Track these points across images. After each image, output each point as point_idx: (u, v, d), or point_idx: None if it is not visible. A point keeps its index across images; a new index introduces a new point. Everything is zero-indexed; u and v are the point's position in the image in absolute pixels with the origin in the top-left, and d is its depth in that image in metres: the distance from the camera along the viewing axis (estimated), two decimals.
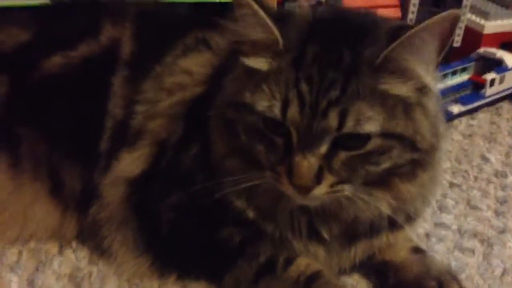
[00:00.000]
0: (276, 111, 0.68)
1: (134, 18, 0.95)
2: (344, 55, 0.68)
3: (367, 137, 0.68)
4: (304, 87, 0.67)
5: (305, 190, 0.68)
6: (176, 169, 0.83)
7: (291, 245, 0.79)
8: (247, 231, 0.79)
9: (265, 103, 0.69)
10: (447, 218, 1.01)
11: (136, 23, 0.94)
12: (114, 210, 0.85)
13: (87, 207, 0.87)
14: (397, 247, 0.86)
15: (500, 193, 1.09)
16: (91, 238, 0.88)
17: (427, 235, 0.96)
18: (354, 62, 0.68)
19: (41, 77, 0.91)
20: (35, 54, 0.92)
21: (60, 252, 0.88)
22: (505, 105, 1.45)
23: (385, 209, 0.75)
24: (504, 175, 1.14)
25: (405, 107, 0.69)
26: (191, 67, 0.88)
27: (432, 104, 0.73)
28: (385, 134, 0.68)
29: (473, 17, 1.56)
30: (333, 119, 0.66)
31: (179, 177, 0.82)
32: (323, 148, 0.67)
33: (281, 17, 0.72)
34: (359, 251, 0.82)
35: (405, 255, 0.85)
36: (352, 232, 0.80)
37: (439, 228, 0.98)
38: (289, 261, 0.79)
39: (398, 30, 0.69)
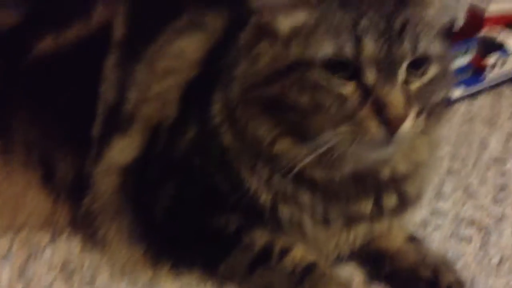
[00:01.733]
0: (348, 49, 0.65)
1: None
2: None
3: (430, 61, 0.69)
4: (372, 15, 0.66)
5: (399, 122, 0.65)
6: (171, 154, 0.81)
7: (301, 229, 0.78)
8: (244, 217, 0.78)
9: (329, 47, 0.65)
10: (444, 206, 0.99)
11: (129, 3, 0.92)
12: (108, 200, 0.84)
13: (80, 196, 0.86)
14: (393, 234, 0.85)
15: (499, 180, 1.07)
16: (85, 228, 0.87)
17: (424, 223, 0.95)
18: None
19: (33, 60, 0.89)
20: (27, 36, 0.90)
21: (52, 241, 0.87)
22: (506, 89, 1.42)
23: (423, 156, 0.79)
24: (503, 162, 1.13)
25: (440, 34, 0.73)
26: (184, 49, 0.86)
27: None
28: (440, 58, 0.71)
29: None
30: (408, 42, 0.66)
31: (174, 162, 0.81)
32: (402, 75, 0.67)
33: None
34: (360, 234, 0.81)
35: (401, 243, 0.85)
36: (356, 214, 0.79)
37: (435, 215, 0.97)
38: (285, 251, 0.78)
39: None
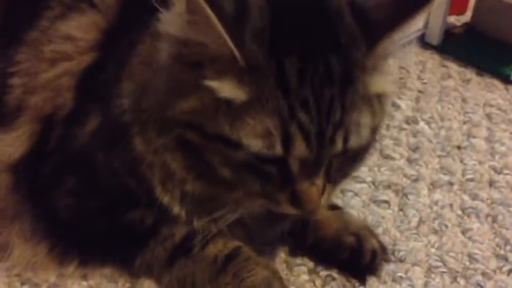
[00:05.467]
0: (278, 149, 0.59)
1: None
2: (331, 63, 0.59)
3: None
4: (303, 117, 0.58)
5: (313, 211, 0.66)
6: (69, 148, 0.73)
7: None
8: (162, 215, 0.72)
9: (259, 142, 0.58)
10: (361, 171, 0.98)
11: None
12: (2, 204, 0.75)
13: None
14: None
15: (412, 140, 1.08)
16: None
17: (342, 190, 0.94)
18: (345, 70, 0.60)
19: None
20: None
21: None
22: (413, 48, 1.44)
23: None
24: (415, 121, 1.14)
25: (380, 100, 0.65)
26: (73, 32, 0.77)
27: None
28: (372, 132, 0.64)
29: None
30: (339, 143, 0.60)
31: (73, 156, 0.73)
32: (324, 168, 0.62)
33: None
34: (286, 225, 0.79)
35: (323, 213, 0.82)
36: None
37: (353, 181, 0.96)
38: (207, 239, 0.72)
39: (360, 11, 0.62)
